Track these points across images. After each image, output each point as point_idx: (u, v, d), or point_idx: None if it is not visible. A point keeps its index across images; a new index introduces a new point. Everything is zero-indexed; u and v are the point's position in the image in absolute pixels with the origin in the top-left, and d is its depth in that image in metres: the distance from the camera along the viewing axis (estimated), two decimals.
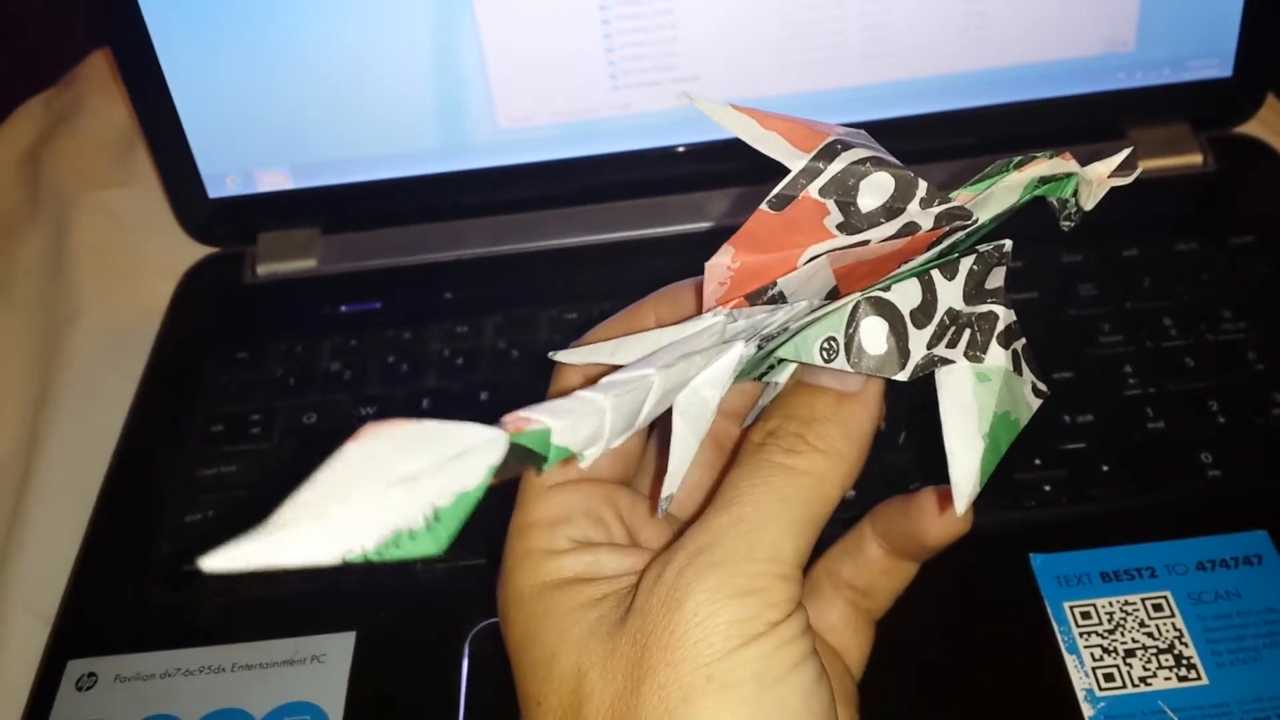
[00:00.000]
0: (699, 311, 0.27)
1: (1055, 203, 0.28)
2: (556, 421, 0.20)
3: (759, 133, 0.28)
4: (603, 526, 0.29)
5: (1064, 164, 0.27)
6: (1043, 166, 0.27)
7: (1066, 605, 0.40)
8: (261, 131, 0.56)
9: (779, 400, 0.28)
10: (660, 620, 0.24)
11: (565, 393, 0.21)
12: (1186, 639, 0.39)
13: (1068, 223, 0.28)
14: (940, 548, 0.31)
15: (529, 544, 0.28)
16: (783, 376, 0.28)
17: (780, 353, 0.26)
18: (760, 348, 0.25)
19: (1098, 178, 0.27)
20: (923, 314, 0.26)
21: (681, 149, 0.57)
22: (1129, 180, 0.27)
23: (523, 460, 0.19)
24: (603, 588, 0.27)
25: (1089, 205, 0.27)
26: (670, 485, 0.25)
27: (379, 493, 0.17)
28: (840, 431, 0.27)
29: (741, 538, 0.25)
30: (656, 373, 0.22)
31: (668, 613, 0.24)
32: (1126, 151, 0.27)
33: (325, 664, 0.42)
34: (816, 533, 0.26)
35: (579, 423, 0.21)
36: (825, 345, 0.26)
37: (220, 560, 0.16)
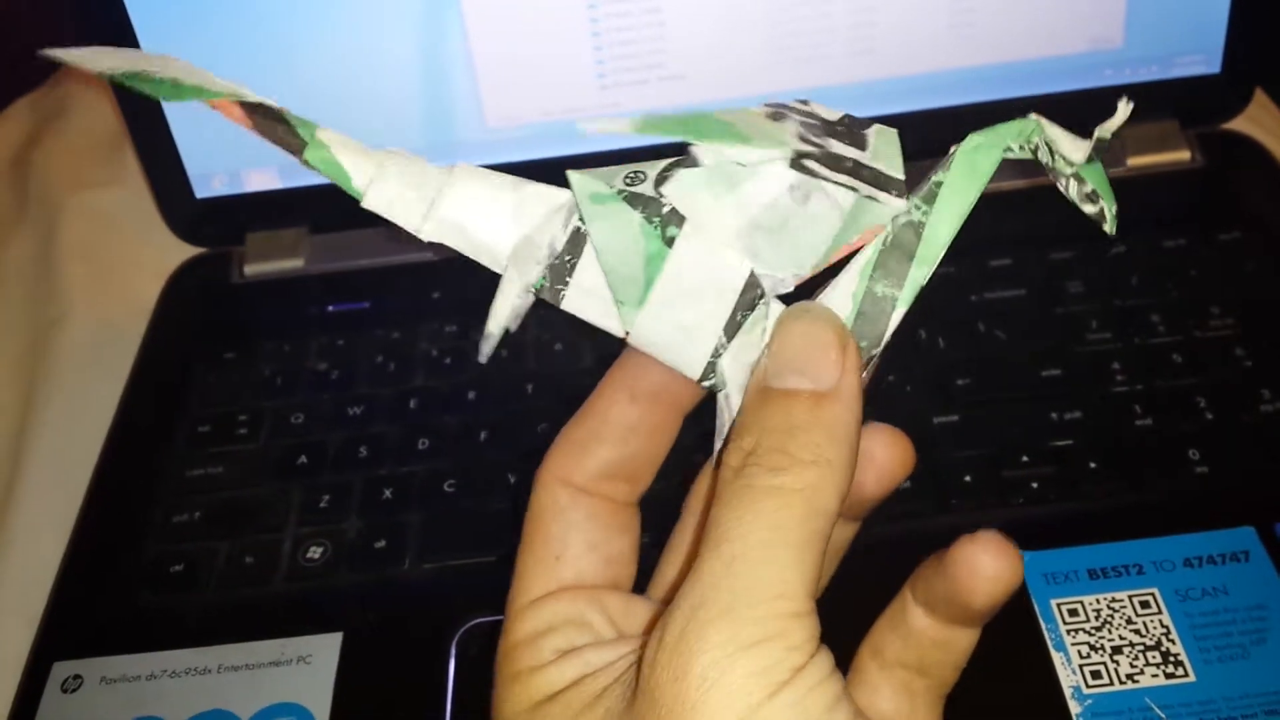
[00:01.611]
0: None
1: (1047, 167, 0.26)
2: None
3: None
4: (589, 630, 0.27)
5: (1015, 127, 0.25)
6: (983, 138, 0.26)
7: (1054, 602, 0.40)
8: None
9: (747, 415, 0.25)
10: (670, 693, 0.22)
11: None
12: (1174, 636, 0.39)
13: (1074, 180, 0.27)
14: (994, 608, 0.27)
15: (515, 666, 0.26)
16: (734, 386, 0.25)
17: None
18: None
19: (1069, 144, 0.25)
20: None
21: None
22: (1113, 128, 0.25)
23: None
24: (600, 680, 0.25)
25: (1077, 156, 0.25)
26: (490, 323, 0.25)
27: None
28: (825, 436, 0.24)
29: (740, 580, 0.22)
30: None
31: (676, 682, 0.22)
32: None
33: (312, 665, 0.42)
34: (822, 551, 0.23)
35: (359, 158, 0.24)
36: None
37: None
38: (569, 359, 0.52)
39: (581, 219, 0.25)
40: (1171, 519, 0.42)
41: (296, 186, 0.57)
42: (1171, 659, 0.38)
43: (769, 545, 0.22)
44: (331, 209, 0.58)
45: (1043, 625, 0.39)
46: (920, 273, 0.25)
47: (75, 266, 0.62)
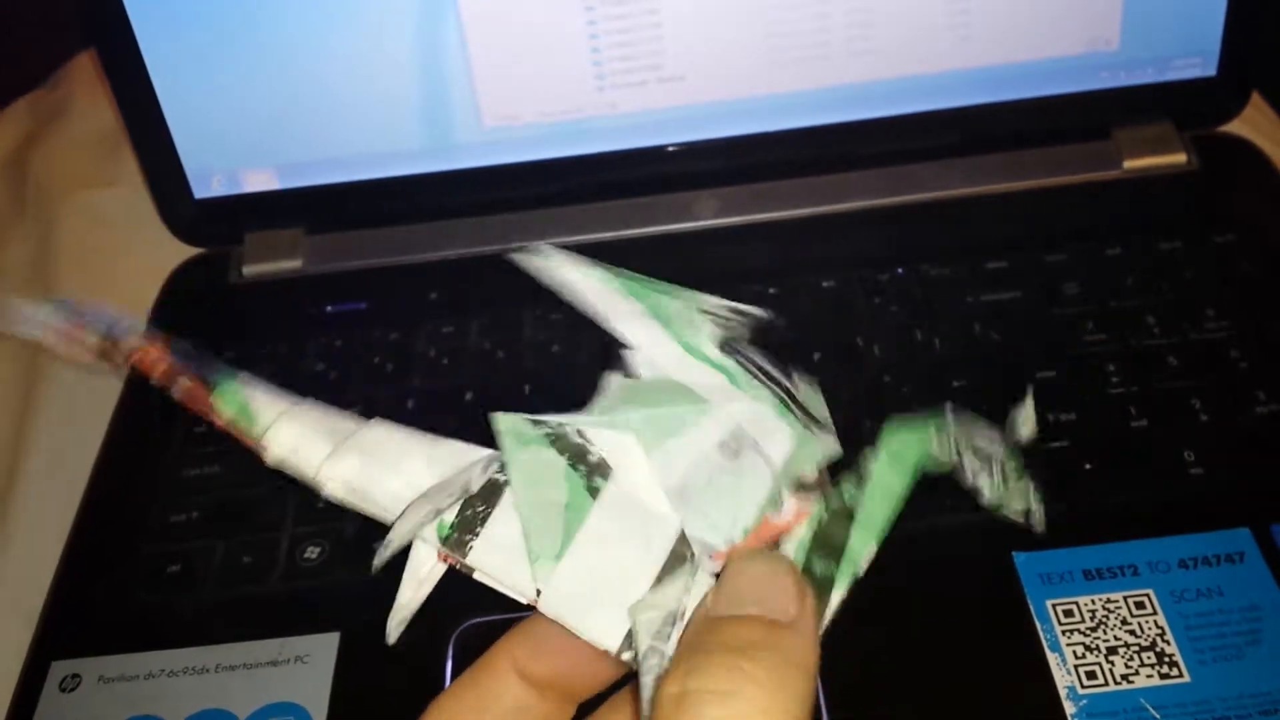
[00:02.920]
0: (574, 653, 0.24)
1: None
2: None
3: None
4: None
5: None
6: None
7: (1049, 603, 0.40)
8: (247, 132, 0.56)
9: (688, 646, 0.22)
10: None
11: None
12: (1169, 636, 0.39)
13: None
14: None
15: None
16: (655, 660, 0.22)
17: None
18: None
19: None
20: None
21: (668, 148, 0.57)
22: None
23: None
24: None
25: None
26: (396, 613, 0.24)
27: None
28: (783, 660, 0.21)
29: None
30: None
31: None
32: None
33: (309, 664, 0.42)
34: None
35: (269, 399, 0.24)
36: None
37: None
38: (566, 360, 0.52)
39: (501, 468, 0.23)
40: (1167, 520, 0.42)
41: (295, 187, 0.57)
42: (1166, 660, 0.38)
43: None
44: (330, 210, 0.58)
45: (1038, 626, 0.40)
46: (860, 549, 0.24)
47: (73, 266, 0.62)
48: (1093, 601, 0.40)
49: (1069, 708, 0.37)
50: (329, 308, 0.56)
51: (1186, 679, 0.38)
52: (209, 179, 0.57)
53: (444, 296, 0.56)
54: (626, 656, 0.22)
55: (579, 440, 0.23)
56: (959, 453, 0.25)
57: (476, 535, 0.23)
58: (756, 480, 0.23)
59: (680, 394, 0.24)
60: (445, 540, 0.23)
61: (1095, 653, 0.39)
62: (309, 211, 0.58)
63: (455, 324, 0.54)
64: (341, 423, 0.25)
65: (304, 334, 0.55)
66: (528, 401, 0.50)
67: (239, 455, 0.49)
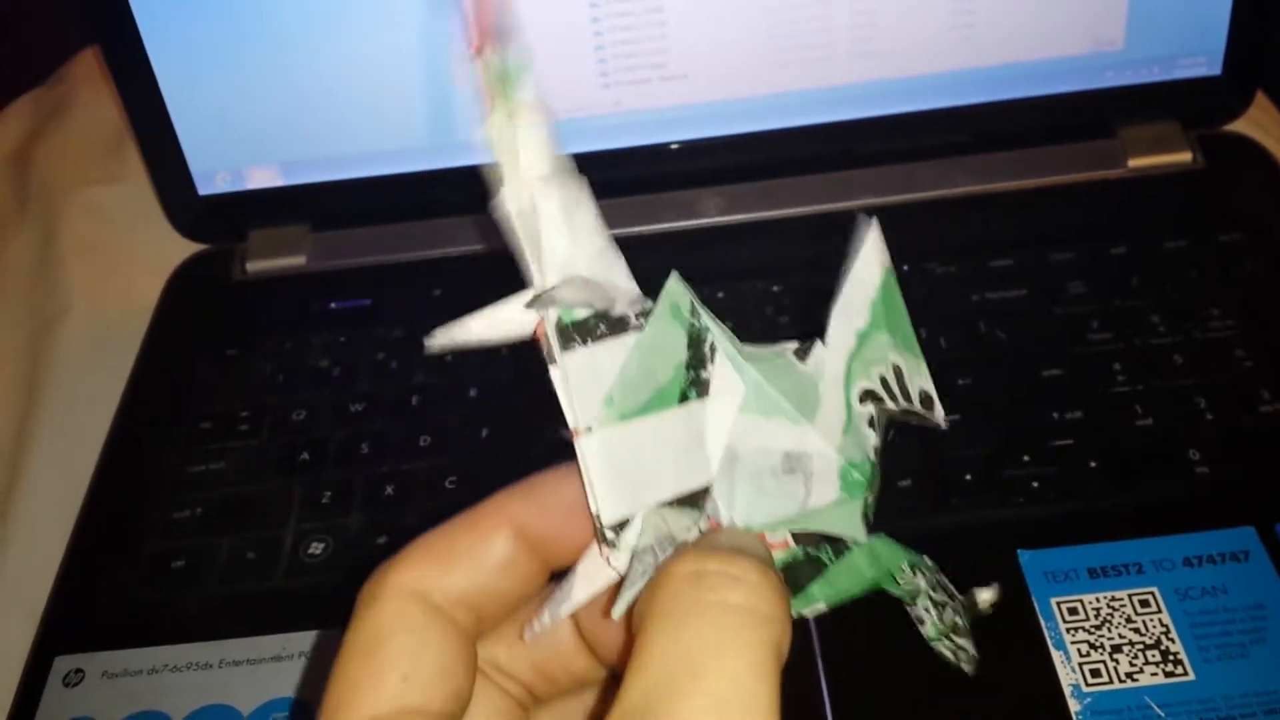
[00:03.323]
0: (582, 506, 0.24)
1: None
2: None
3: None
4: None
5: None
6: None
7: (1054, 601, 0.40)
8: (251, 129, 0.56)
9: (692, 543, 0.23)
10: None
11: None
12: (1173, 635, 0.39)
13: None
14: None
15: None
16: (625, 552, 0.23)
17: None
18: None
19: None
20: None
21: (672, 146, 0.57)
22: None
23: None
24: None
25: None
26: (463, 330, 0.24)
27: None
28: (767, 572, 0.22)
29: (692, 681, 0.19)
30: None
31: None
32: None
33: (313, 660, 0.42)
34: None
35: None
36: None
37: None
38: None
39: (640, 315, 0.24)
40: (1171, 519, 0.42)
41: (299, 184, 0.57)
42: (1171, 658, 0.38)
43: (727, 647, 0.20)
44: (334, 207, 0.58)
45: (1043, 624, 0.40)
46: (815, 598, 0.24)
47: (77, 263, 0.62)
48: (1097, 599, 0.40)
49: (1073, 705, 0.37)
50: (333, 304, 0.56)
51: (1191, 677, 0.38)
52: (213, 176, 0.57)
53: (448, 293, 0.56)
54: (610, 538, 0.23)
55: (706, 352, 0.24)
56: (918, 592, 0.26)
57: (584, 344, 0.24)
58: (785, 502, 0.24)
59: (806, 399, 0.25)
60: (560, 328, 0.24)
61: (1100, 651, 0.39)
62: (313, 208, 0.58)
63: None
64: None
65: (308, 330, 0.55)
66: (531, 398, 0.50)
67: (243, 452, 0.49)
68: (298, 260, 0.58)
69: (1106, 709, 0.37)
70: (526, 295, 0.24)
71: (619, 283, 0.24)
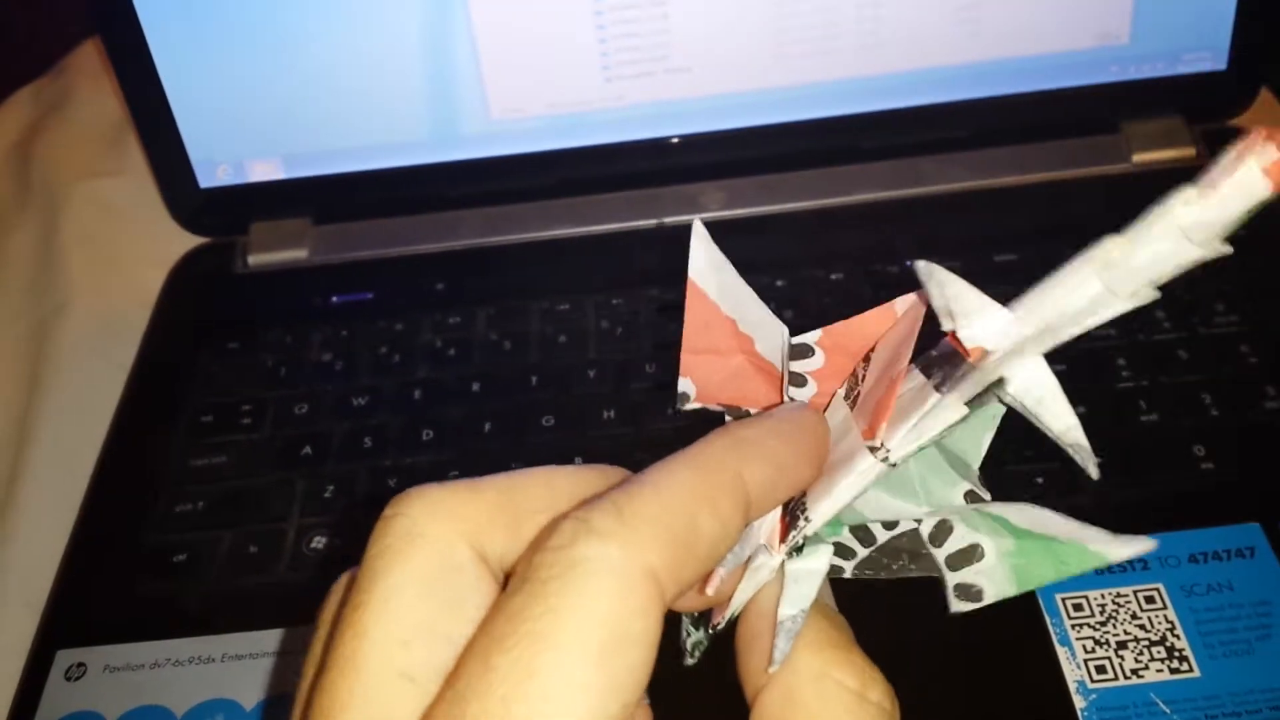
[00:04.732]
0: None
1: None
2: None
3: None
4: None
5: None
6: None
7: (1059, 597, 0.40)
8: (253, 121, 0.56)
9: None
10: None
11: None
12: (1179, 631, 0.39)
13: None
14: None
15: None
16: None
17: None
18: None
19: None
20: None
21: (674, 140, 0.57)
22: None
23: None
24: None
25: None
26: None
27: None
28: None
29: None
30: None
31: None
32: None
33: None
34: None
35: None
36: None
37: None
38: (573, 352, 0.52)
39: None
40: (1177, 515, 0.42)
41: (301, 177, 0.57)
42: (1176, 654, 0.38)
43: None
44: (336, 200, 0.58)
45: (1047, 620, 0.39)
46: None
47: (78, 256, 0.62)
48: (1102, 596, 0.40)
49: (1079, 702, 0.37)
50: (334, 298, 0.56)
51: (1196, 674, 0.38)
52: (214, 168, 0.57)
53: (450, 287, 0.56)
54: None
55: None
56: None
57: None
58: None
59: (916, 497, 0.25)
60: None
61: (1105, 647, 0.39)
62: (315, 201, 0.58)
63: (461, 315, 0.54)
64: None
65: (309, 324, 0.54)
66: (533, 393, 0.50)
67: (245, 445, 0.49)
68: (299, 253, 0.58)
69: (1111, 705, 0.37)
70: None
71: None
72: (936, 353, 0.23)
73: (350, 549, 0.45)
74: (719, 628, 0.23)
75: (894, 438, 0.22)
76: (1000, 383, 0.22)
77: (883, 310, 0.25)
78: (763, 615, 0.23)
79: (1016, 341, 0.22)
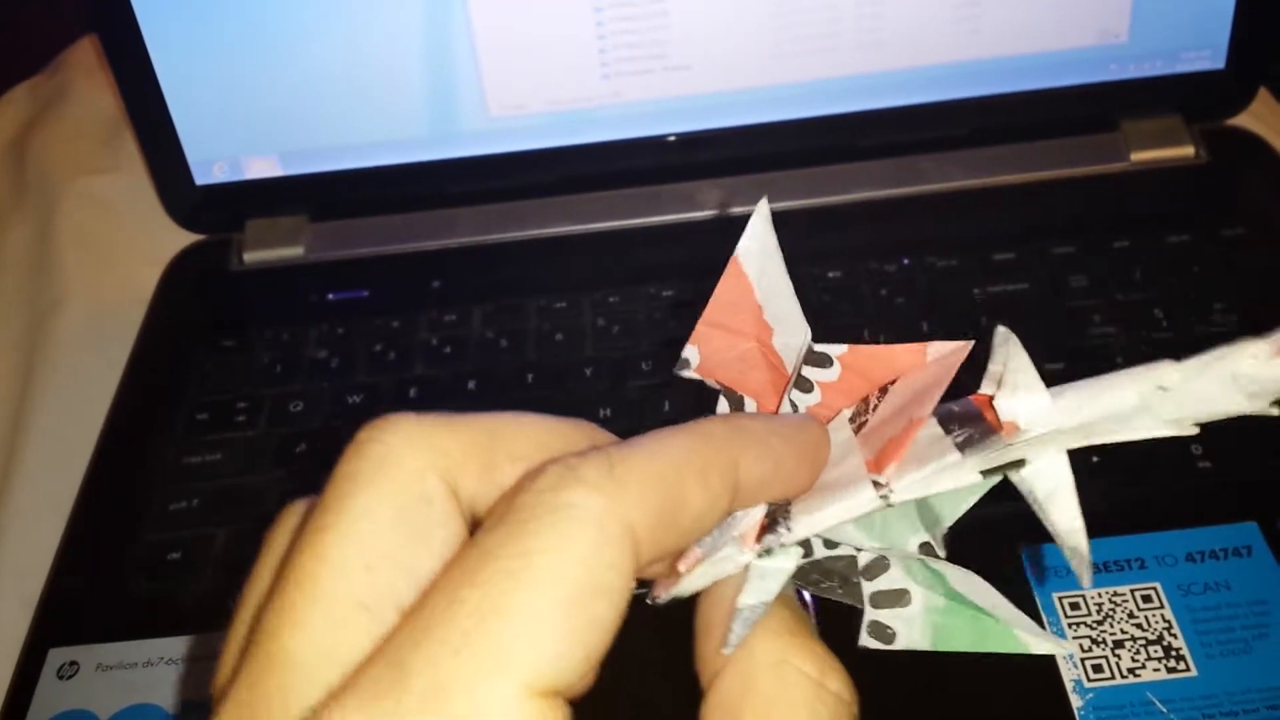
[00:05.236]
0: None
1: None
2: None
3: None
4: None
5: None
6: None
7: (1055, 596, 0.40)
8: (249, 118, 0.55)
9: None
10: None
11: None
12: (1175, 630, 0.39)
13: None
14: None
15: None
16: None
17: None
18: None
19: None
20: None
21: (672, 138, 0.57)
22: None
23: None
24: None
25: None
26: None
27: None
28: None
29: None
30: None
31: None
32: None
33: None
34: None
35: None
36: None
37: None
38: (569, 349, 0.51)
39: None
40: (1174, 514, 0.42)
41: (297, 174, 0.57)
42: (1173, 653, 0.38)
43: None
44: (332, 197, 0.58)
45: (1044, 619, 0.39)
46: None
47: (73, 253, 0.62)
48: (1099, 595, 0.40)
49: (1075, 701, 0.37)
50: (331, 295, 0.56)
51: (1193, 673, 0.38)
52: (210, 165, 0.57)
53: (446, 284, 0.56)
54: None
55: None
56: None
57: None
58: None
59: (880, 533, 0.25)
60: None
61: (1102, 646, 0.38)
62: (311, 199, 0.58)
63: (458, 312, 0.54)
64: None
65: (305, 321, 0.54)
66: (530, 390, 0.50)
67: (240, 443, 0.49)
68: (295, 251, 0.58)
69: (1108, 704, 0.37)
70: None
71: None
72: (958, 409, 0.23)
73: None
74: (659, 602, 0.23)
75: (901, 480, 0.22)
76: (1019, 463, 0.22)
77: (914, 349, 0.25)
78: (723, 600, 0.22)
79: (1051, 429, 0.22)
